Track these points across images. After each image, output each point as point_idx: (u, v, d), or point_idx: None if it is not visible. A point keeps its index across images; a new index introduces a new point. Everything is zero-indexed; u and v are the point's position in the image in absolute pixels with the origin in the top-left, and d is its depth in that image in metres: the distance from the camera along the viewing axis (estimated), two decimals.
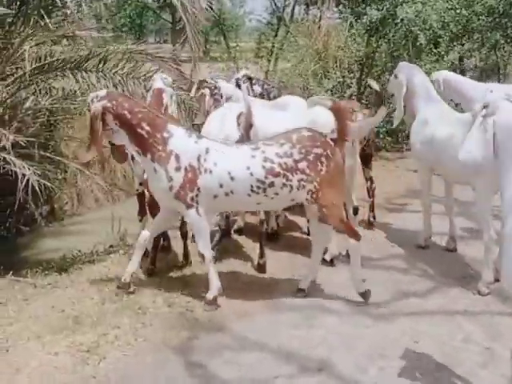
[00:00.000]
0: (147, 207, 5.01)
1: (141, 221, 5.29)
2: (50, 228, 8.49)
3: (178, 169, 4.08)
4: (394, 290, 4.64)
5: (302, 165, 4.07)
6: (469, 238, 5.55)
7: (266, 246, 4.98)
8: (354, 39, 9.67)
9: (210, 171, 4.07)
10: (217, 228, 5.24)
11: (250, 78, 6.39)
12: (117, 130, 4.13)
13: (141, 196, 5.23)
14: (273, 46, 14.69)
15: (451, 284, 4.73)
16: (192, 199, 4.11)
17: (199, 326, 4.08)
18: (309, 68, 11.17)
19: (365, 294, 4.36)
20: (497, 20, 12.66)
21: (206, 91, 5.53)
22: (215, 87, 5.52)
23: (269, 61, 13.73)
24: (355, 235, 4.30)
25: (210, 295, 4.27)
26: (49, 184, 6.19)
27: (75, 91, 6.91)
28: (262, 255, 4.90)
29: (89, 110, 4.27)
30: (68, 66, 6.51)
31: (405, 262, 5.21)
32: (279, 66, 13.21)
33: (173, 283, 4.66)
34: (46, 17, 6.20)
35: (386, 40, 9.48)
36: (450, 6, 9.26)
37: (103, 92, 4.25)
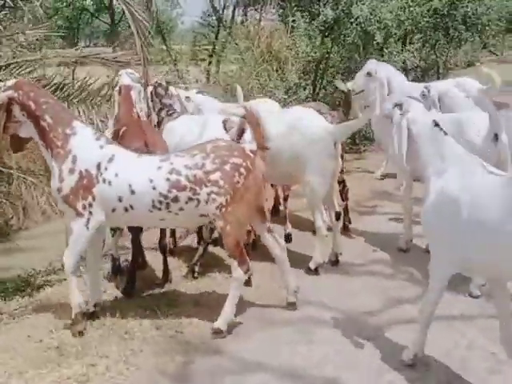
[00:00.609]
0: None
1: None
2: None
3: (71, 171, 3.80)
4: (384, 298, 4.52)
5: (215, 176, 3.73)
6: None
7: None
8: (308, 40, 9.52)
9: (110, 182, 3.78)
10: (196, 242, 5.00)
11: None
12: (25, 121, 3.92)
13: None
14: (213, 49, 14.52)
15: None
16: (84, 207, 3.81)
17: (193, 348, 3.83)
18: (253, 71, 11.12)
19: (217, 333, 3.91)
20: (438, 20, 12.95)
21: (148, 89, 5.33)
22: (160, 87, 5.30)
23: (210, 63, 13.55)
24: (245, 265, 3.91)
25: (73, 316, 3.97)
26: None
27: None
28: None
29: None
30: None
31: (389, 267, 5.11)
32: (222, 69, 13.03)
33: (156, 303, 4.36)
34: None
35: (339, 41, 9.40)
36: (402, 5, 9.30)
37: (11, 81, 4.01)
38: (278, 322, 4.17)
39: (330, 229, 5.17)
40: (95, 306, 4.19)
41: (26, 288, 5.24)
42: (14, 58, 6.16)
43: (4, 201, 7.55)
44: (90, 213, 3.82)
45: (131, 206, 3.78)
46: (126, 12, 5.92)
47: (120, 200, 3.78)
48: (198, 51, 15.03)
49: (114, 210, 3.83)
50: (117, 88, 4.97)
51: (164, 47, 14.33)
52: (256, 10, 15.39)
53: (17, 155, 9.29)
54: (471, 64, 21.37)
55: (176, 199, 3.74)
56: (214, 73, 13.05)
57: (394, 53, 9.58)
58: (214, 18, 15.95)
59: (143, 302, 4.40)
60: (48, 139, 3.85)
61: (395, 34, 9.29)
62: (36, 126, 3.88)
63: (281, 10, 12.59)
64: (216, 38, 14.83)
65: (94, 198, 3.80)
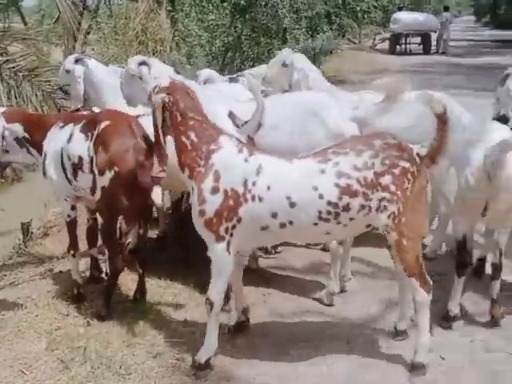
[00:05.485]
0: (104, 237, 3.91)
1: (74, 256, 4.15)
2: None
3: (214, 190, 3.18)
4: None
5: (386, 180, 3.17)
6: None
7: None
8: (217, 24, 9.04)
9: (260, 198, 3.16)
10: None
11: None
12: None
13: (73, 224, 4.13)
14: (78, 28, 13.64)
15: None
16: (226, 231, 3.19)
17: (203, 378, 3.31)
18: (128, 53, 10.73)
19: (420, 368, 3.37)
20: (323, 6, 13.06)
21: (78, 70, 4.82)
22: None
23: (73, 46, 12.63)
24: (427, 285, 3.33)
25: (201, 357, 3.36)
26: None
27: None
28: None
29: None
30: None
31: None
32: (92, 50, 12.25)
33: (140, 325, 3.75)
34: None
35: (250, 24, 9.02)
36: None
37: (166, 82, 3.32)
38: (289, 338, 3.74)
39: None
40: (244, 312, 3.77)
41: None
42: None
43: None
44: (231, 235, 3.19)
45: (290, 222, 3.18)
46: None
47: (274, 216, 3.17)
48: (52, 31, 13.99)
49: (264, 228, 3.20)
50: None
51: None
52: None
53: None
54: (333, 52, 22.06)
55: (347, 208, 3.19)
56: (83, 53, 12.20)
57: (302, 38, 9.39)
58: None
59: (121, 324, 3.76)
60: (187, 158, 3.23)
61: (305, 17, 9.07)
62: (175, 139, 3.27)
63: None
64: (81, 16, 13.87)
65: (239, 220, 3.17)
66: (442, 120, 3.20)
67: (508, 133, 3.77)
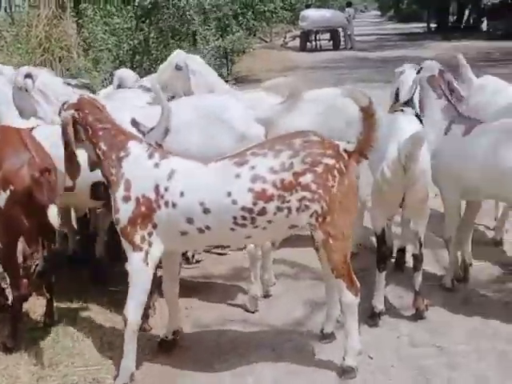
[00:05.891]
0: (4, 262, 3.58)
1: None
2: None
3: (126, 199, 3.12)
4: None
5: (305, 179, 3.02)
6: None
7: None
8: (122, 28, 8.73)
9: (174, 204, 3.05)
10: None
11: None
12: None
13: None
14: None
15: None
16: (143, 239, 3.10)
17: None
18: (30, 61, 10.34)
19: (348, 372, 3.23)
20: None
21: None
22: None
23: None
24: (354, 287, 3.20)
25: (118, 382, 3.20)
26: None
27: None
28: None
29: None
30: None
31: None
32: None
33: (51, 355, 3.46)
34: None
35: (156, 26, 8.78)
36: None
37: (75, 98, 3.34)
38: (213, 350, 3.57)
39: None
40: (174, 333, 3.57)
41: None
42: None
43: None
44: (149, 244, 3.11)
45: (207, 227, 3.06)
46: None
47: (190, 222, 3.04)
48: None
49: (184, 234, 3.10)
50: None
51: None
52: None
53: None
54: (245, 51, 21.99)
55: (263, 212, 3.02)
56: None
57: (211, 39, 9.24)
58: None
59: (35, 356, 3.46)
60: (104, 167, 3.23)
61: (213, 18, 8.92)
62: (93, 151, 3.28)
63: None
64: None
65: (154, 226, 3.09)
66: (368, 113, 3.08)
67: (418, 125, 3.77)
